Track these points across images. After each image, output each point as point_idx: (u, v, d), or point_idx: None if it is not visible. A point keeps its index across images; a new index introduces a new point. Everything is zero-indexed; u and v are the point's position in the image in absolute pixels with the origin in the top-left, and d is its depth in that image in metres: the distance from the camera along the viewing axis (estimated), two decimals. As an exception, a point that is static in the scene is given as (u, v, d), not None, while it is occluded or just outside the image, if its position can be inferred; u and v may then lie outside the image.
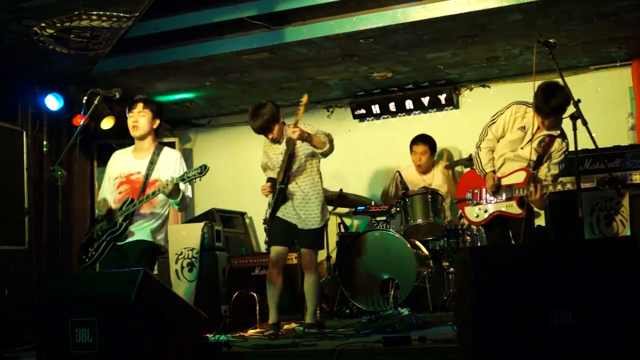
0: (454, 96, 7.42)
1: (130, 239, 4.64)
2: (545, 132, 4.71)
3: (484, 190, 4.93)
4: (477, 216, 4.94)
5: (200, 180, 4.51)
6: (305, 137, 4.98)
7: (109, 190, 4.82)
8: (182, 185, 4.60)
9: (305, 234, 5.15)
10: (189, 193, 4.72)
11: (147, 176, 4.68)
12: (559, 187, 4.64)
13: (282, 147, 5.19)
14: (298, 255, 5.83)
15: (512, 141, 4.80)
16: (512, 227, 4.83)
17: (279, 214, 5.17)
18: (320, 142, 5.08)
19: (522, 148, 4.77)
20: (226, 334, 4.83)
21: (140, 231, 4.66)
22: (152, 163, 4.71)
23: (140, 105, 4.74)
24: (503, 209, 4.81)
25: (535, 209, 4.96)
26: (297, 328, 5.11)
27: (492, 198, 4.86)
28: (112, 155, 4.99)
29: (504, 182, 4.82)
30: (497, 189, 4.80)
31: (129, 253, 4.62)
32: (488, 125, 4.91)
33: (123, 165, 4.81)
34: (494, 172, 4.86)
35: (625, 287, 2.86)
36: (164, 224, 4.80)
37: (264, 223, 5.54)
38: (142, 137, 4.76)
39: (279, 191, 5.07)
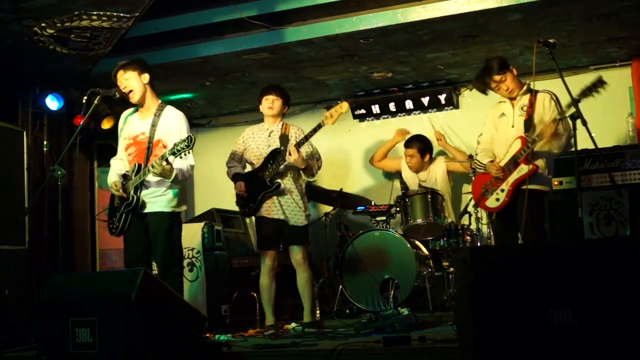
0: (454, 96, 7.41)
1: (149, 210, 4.60)
2: (519, 99, 4.81)
3: (493, 178, 4.88)
4: (498, 199, 4.82)
5: (190, 152, 4.37)
6: (298, 164, 5.04)
7: (121, 154, 4.82)
8: (178, 160, 4.51)
9: (295, 230, 5.13)
10: (185, 165, 4.55)
11: (151, 138, 4.62)
12: (565, 111, 4.51)
13: (271, 139, 5.22)
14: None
15: (503, 130, 4.86)
16: (520, 207, 4.70)
17: (264, 212, 5.16)
18: (309, 171, 5.16)
19: (512, 126, 4.80)
20: (226, 334, 4.83)
21: (157, 199, 4.60)
22: (154, 125, 4.64)
23: (121, 73, 4.66)
24: (516, 177, 4.73)
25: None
26: (297, 328, 5.12)
27: (504, 178, 4.81)
28: (120, 117, 4.94)
29: (505, 160, 4.81)
30: (501, 170, 4.80)
31: (152, 225, 4.58)
32: (478, 137, 5.09)
33: (129, 127, 4.78)
34: (491, 161, 4.88)
35: (625, 287, 2.87)
36: (178, 191, 4.70)
37: (244, 215, 5.52)
38: (142, 100, 4.71)
39: (275, 187, 5.08)
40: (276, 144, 5.21)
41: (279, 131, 5.26)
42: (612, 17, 5.65)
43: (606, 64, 6.88)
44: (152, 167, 4.37)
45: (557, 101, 4.74)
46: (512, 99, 4.85)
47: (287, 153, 4.99)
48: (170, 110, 4.71)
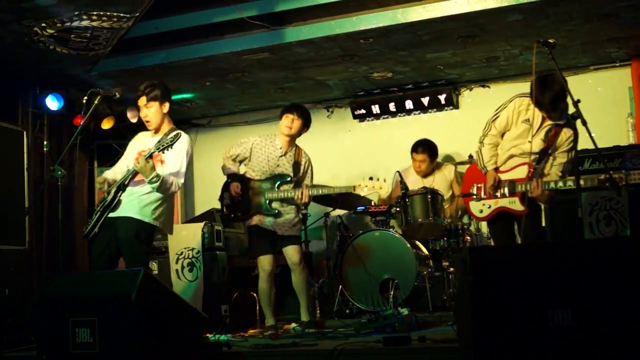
0: (454, 96, 7.42)
1: (120, 213, 4.59)
2: (551, 123, 4.59)
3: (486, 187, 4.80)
4: (481, 212, 4.82)
5: (172, 147, 4.45)
6: (302, 206, 5.14)
7: (124, 163, 4.82)
8: (175, 165, 4.54)
9: (286, 237, 5.16)
10: (172, 179, 4.56)
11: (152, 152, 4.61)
12: (560, 185, 4.52)
13: (282, 161, 5.20)
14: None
15: (517, 136, 4.69)
16: (519, 224, 4.70)
17: (257, 222, 5.15)
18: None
19: (529, 142, 4.62)
20: (226, 334, 4.83)
21: (130, 203, 4.60)
22: (160, 142, 4.65)
23: (143, 100, 4.72)
24: (506, 205, 4.71)
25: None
26: (297, 328, 5.11)
27: (495, 194, 4.74)
28: (137, 134, 5.01)
29: (506, 176, 4.73)
30: (496, 189, 4.73)
31: (120, 230, 4.56)
32: (492, 120, 4.80)
33: (140, 143, 4.83)
34: (496, 169, 4.77)
35: (625, 287, 2.87)
36: (161, 202, 4.66)
37: (229, 219, 5.51)
38: (157, 129, 4.77)
39: (272, 214, 5.11)
40: (286, 167, 5.18)
41: (292, 156, 5.21)
42: (612, 17, 5.65)
43: (606, 64, 6.89)
44: (138, 162, 4.43)
45: (575, 142, 4.48)
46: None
47: (300, 195, 5.01)
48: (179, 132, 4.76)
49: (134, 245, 4.56)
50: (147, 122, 4.75)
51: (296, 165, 5.18)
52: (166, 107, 4.76)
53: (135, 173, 4.58)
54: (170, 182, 4.57)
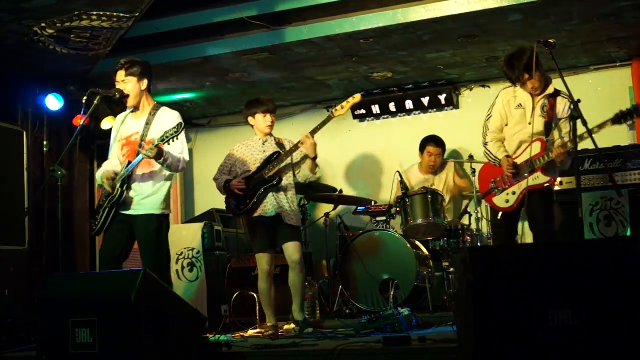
0: (454, 96, 7.42)
1: (137, 212, 4.53)
2: (541, 98, 4.66)
3: (505, 175, 4.79)
4: (508, 201, 4.76)
5: (178, 138, 4.37)
6: (313, 150, 5.00)
7: (115, 155, 4.74)
8: (177, 147, 4.47)
9: (290, 228, 5.10)
10: (183, 155, 4.53)
11: (143, 136, 4.55)
12: (578, 140, 4.37)
13: (266, 147, 5.20)
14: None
15: (517, 123, 4.73)
16: (535, 204, 4.66)
17: (260, 212, 5.10)
18: (315, 164, 5.11)
19: (530, 124, 4.67)
20: (226, 334, 4.83)
21: (146, 201, 4.54)
22: (148, 123, 4.59)
23: (122, 74, 4.62)
24: (531, 183, 4.66)
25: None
26: (296, 328, 5.11)
27: (516, 178, 4.73)
28: (116, 118, 4.91)
29: (522, 159, 4.72)
30: (515, 170, 4.71)
31: (140, 227, 4.52)
32: (486, 120, 4.87)
33: (123, 128, 4.73)
34: (507, 156, 4.75)
35: (625, 287, 2.87)
36: (169, 190, 4.65)
37: (241, 214, 5.50)
38: (136, 104, 4.66)
39: (276, 182, 5.06)
40: (272, 149, 5.19)
41: (273, 141, 5.25)
42: (612, 17, 5.65)
43: (606, 64, 6.89)
44: (148, 150, 4.29)
45: (575, 109, 4.41)
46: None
47: (300, 142, 4.97)
48: (165, 110, 4.67)
49: (159, 241, 4.54)
50: (127, 96, 4.62)
51: (280, 145, 5.21)
52: (144, 84, 4.65)
53: (136, 165, 4.50)
54: (177, 158, 4.51)
